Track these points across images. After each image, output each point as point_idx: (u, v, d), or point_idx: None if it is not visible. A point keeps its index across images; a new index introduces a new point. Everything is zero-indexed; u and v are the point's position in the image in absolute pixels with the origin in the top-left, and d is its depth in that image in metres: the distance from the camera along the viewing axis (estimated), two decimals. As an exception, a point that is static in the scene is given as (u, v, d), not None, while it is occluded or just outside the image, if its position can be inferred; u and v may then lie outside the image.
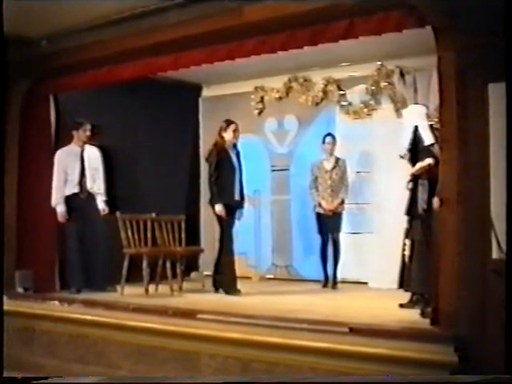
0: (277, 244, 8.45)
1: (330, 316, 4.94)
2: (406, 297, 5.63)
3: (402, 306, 5.52)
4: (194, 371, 4.81)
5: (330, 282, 7.27)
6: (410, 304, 5.48)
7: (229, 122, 6.85)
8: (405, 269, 5.73)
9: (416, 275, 5.44)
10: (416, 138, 5.57)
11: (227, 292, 6.54)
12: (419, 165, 5.48)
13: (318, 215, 7.32)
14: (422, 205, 5.36)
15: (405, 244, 5.60)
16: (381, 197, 7.59)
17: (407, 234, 5.60)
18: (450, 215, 4.15)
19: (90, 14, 5.78)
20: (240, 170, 6.88)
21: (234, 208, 6.77)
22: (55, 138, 7.15)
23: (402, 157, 5.73)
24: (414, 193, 5.52)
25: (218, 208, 6.62)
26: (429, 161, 5.37)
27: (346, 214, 7.44)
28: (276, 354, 4.44)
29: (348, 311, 5.41)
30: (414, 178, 5.53)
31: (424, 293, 5.26)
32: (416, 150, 5.58)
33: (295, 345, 4.38)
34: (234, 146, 6.90)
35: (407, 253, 5.55)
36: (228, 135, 6.80)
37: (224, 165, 6.74)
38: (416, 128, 5.59)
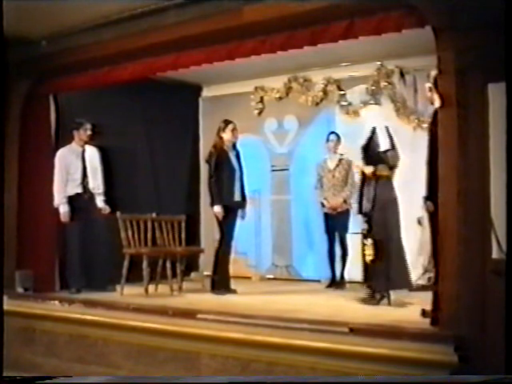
0: (277, 244, 8.45)
1: (330, 316, 4.94)
2: (406, 297, 5.65)
3: (363, 300, 5.72)
4: (193, 371, 4.81)
5: (336, 281, 7.22)
6: (375, 301, 5.65)
7: (227, 122, 6.82)
8: (368, 268, 5.84)
9: (381, 274, 5.59)
10: (372, 140, 5.79)
11: (221, 293, 6.50)
12: (367, 168, 5.78)
13: (326, 215, 7.29)
14: (366, 205, 5.65)
15: (364, 244, 5.71)
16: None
17: (366, 235, 5.73)
18: (450, 216, 4.15)
19: (89, 14, 5.78)
20: (240, 170, 6.83)
21: (234, 209, 6.74)
22: (55, 138, 7.15)
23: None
24: (361, 192, 5.79)
25: (217, 209, 6.59)
26: (370, 169, 5.76)
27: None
28: (276, 353, 4.44)
29: (348, 311, 5.41)
30: (364, 177, 5.81)
31: (389, 290, 5.59)
32: (369, 151, 5.84)
33: (295, 345, 4.38)
34: (234, 146, 6.87)
35: (368, 252, 5.64)
36: (227, 135, 6.76)
37: (223, 166, 6.70)
38: (374, 130, 5.79)
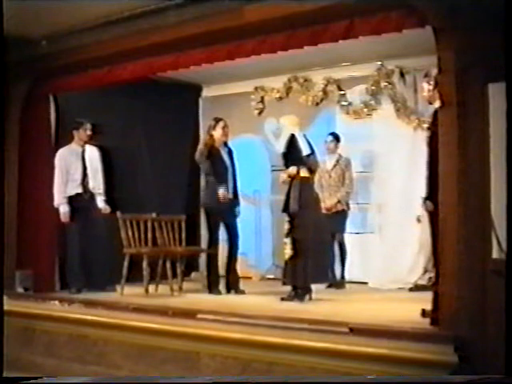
0: (277, 244, 8.43)
1: (330, 316, 4.93)
2: (407, 297, 5.65)
3: (283, 299, 5.98)
4: (193, 371, 4.80)
5: (336, 282, 7.22)
6: (290, 297, 5.97)
7: (217, 120, 6.79)
8: (287, 266, 6.22)
9: (301, 272, 5.93)
10: (292, 146, 6.10)
11: (217, 293, 6.53)
12: (291, 169, 6.05)
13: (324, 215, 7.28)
14: (293, 204, 5.93)
15: (285, 243, 5.99)
16: (381, 197, 7.59)
17: (288, 234, 6.00)
18: (450, 215, 4.15)
19: (89, 14, 5.78)
20: (233, 168, 6.82)
21: (226, 208, 6.72)
22: (55, 138, 7.15)
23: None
24: (288, 191, 6.06)
25: (210, 209, 6.63)
26: (294, 169, 6.04)
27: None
28: (276, 354, 4.43)
29: (348, 311, 5.41)
30: (291, 179, 6.07)
31: (307, 286, 5.97)
32: (290, 156, 6.13)
33: (295, 345, 4.38)
34: (225, 144, 6.85)
35: (286, 250, 5.97)
36: (217, 133, 6.73)
37: (215, 164, 6.68)
38: (293, 136, 6.09)
